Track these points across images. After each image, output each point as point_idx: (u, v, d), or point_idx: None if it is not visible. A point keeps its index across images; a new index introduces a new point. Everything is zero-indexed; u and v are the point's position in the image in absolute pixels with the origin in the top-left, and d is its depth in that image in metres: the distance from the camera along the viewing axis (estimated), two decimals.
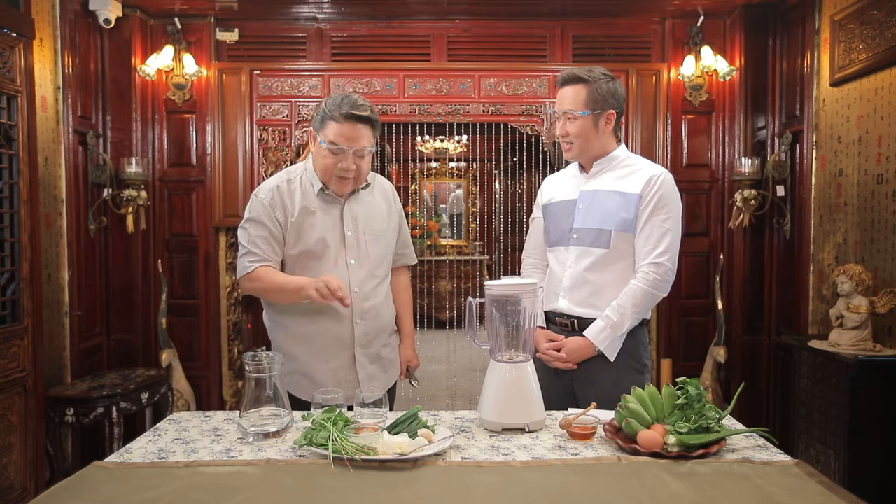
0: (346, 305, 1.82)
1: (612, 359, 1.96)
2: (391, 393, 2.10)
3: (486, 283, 1.73)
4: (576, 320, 2.01)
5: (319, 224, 1.95)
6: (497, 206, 8.65)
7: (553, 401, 1.86)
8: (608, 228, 1.98)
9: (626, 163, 2.05)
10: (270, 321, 2.05)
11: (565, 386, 2.02)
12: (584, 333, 1.97)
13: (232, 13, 3.85)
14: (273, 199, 1.94)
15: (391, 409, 1.94)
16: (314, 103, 3.84)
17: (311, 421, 1.53)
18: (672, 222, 1.96)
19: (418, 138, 7.46)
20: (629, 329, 1.97)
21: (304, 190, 1.97)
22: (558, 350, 1.99)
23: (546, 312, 2.10)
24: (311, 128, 1.96)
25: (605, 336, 1.95)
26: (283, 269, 1.97)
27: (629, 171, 2.03)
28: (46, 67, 3.17)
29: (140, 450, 1.50)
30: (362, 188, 2.03)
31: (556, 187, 2.18)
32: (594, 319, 1.97)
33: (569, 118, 2.00)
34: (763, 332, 3.82)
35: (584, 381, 1.99)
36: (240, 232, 1.98)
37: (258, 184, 3.81)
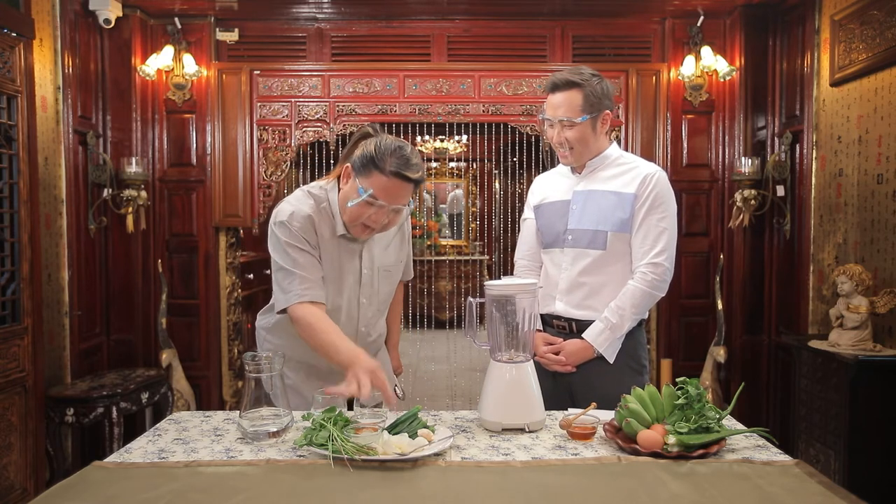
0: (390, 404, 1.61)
1: (611, 360, 1.96)
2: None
3: (486, 283, 1.72)
4: (573, 323, 2.00)
5: (339, 260, 1.85)
6: (497, 206, 8.66)
7: (551, 403, 1.84)
8: (604, 230, 1.95)
9: (619, 161, 2.03)
10: (263, 336, 1.98)
11: (563, 388, 2.00)
12: (583, 336, 1.96)
13: (232, 13, 3.85)
14: (306, 227, 1.77)
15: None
16: (314, 103, 3.85)
17: (311, 421, 1.53)
18: (668, 221, 1.94)
19: (418, 138, 7.44)
20: (628, 330, 1.96)
21: (329, 223, 1.82)
22: (557, 353, 1.98)
23: (542, 315, 2.08)
24: (349, 164, 1.75)
25: (604, 338, 1.94)
26: None
27: (623, 170, 2.00)
28: (46, 67, 3.17)
29: (140, 450, 1.50)
30: None
31: (548, 187, 2.14)
32: (592, 321, 1.96)
33: (566, 125, 1.95)
34: (763, 332, 3.82)
35: (583, 382, 1.98)
36: (278, 256, 1.77)
37: (258, 184, 3.83)
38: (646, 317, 2.05)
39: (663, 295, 1.97)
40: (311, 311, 1.72)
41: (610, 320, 1.93)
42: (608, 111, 1.99)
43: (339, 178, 1.83)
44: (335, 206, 1.82)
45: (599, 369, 1.96)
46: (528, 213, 2.20)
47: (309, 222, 1.78)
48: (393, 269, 1.98)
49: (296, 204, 1.81)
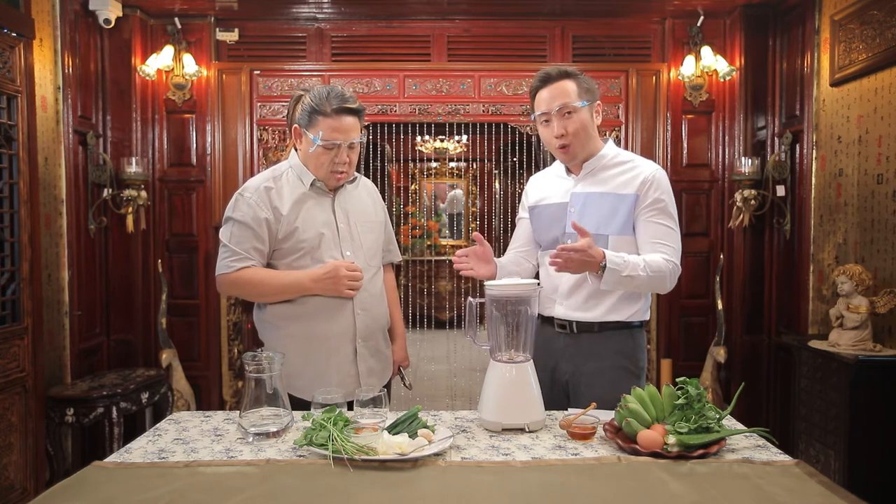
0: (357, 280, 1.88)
1: (601, 287, 1.81)
2: (386, 389, 2.09)
3: (486, 283, 1.72)
4: (574, 324, 1.97)
5: (312, 218, 1.93)
6: (497, 206, 8.65)
7: (548, 404, 1.80)
8: (605, 234, 1.90)
9: (617, 161, 1.97)
10: (263, 322, 2.00)
11: (560, 388, 1.99)
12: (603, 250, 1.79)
13: (232, 13, 3.85)
14: (260, 198, 1.89)
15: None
16: None
17: (311, 421, 1.53)
18: (674, 222, 1.93)
19: (418, 138, 7.45)
20: (629, 277, 1.79)
21: (292, 186, 1.94)
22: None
23: (543, 317, 2.02)
24: (297, 124, 1.92)
25: (616, 262, 1.78)
26: (276, 263, 1.94)
27: (621, 170, 1.95)
28: (46, 67, 3.17)
29: (140, 450, 1.50)
30: (349, 182, 2.02)
31: (544, 188, 2.09)
32: (592, 323, 1.93)
33: (567, 112, 1.89)
34: (763, 332, 3.82)
35: (579, 383, 1.95)
36: (222, 229, 1.93)
37: None
38: (647, 317, 2.01)
39: (671, 288, 1.90)
40: (245, 274, 1.88)
41: (627, 258, 1.80)
42: (599, 103, 2.00)
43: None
44: (297, 167, 1.96)
45: (597, 370, 1.93)
46: (522, 213, 2.16)
47: (262, 191, 1.91)
48: (371, 226, 2.06)
49: (256, 178, 1.98)
